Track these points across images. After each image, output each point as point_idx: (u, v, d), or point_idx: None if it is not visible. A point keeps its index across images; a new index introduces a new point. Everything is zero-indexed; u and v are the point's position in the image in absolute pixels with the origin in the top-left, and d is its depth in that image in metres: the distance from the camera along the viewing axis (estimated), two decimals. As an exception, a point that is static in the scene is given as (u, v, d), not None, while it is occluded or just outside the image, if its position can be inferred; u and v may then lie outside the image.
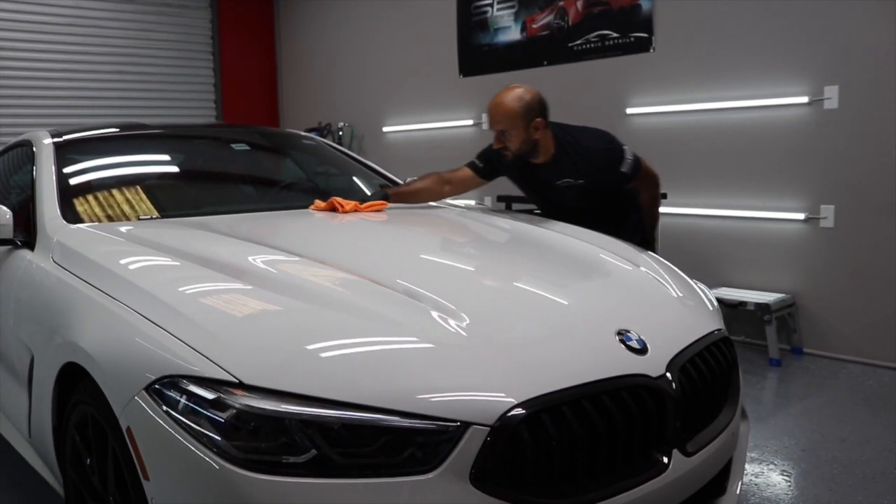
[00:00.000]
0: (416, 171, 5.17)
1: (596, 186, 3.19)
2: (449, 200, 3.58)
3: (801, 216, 4.67)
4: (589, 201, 3.25)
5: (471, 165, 3.39)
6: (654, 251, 3.30)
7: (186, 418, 1.55)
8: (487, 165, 3.36)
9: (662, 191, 3.58)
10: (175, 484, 1.59)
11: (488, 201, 6.38)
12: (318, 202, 3.08)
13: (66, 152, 3.07)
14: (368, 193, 3.52)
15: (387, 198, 3.24)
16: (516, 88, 3.13)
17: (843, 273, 4.58)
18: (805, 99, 4.58)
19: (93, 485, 1.97)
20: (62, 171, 2.92)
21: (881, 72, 4.30)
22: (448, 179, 3.38)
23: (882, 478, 2.98)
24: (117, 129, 3.55)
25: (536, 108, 3.10)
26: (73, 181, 2.95)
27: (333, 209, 2.99)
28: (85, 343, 1.89)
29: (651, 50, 5.31)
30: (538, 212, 3.69)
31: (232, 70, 8.51)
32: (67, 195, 2.80)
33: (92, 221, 2.70)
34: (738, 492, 2.19)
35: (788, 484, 2.96)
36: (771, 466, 3.10)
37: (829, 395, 3.97)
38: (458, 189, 3.40)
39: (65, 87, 7.43)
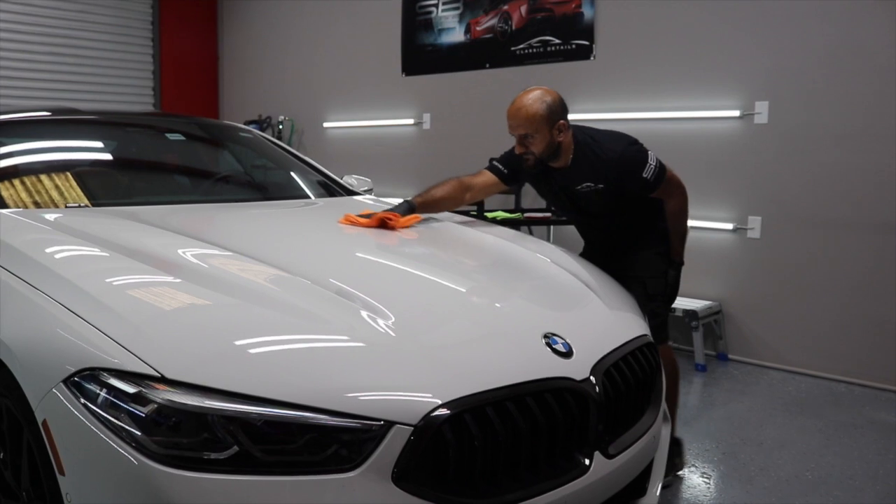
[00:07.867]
0: (357, 167, 5.16)
1: (617, 192, 2.94)
2: (388, 200, 3.49)
3: (730, 226, 4.82)
4: (611, 208, 3.01)
5: (492, 169, 3.10)
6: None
7: (105, 412, 1.52)
8: (511, 170, 3.09)
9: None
10: (91, 479, 1.56)
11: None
12: (350, 216, 2.76)
13: None
14: (305, 189, 3.48)
15: (415, 209, 2.95)
16: (535, 90, 2.89)
17: (767, 283, 4.74)
18: (737, 113, 4.72)
19: (5, 480, 1.92)
20: (-14, 154, 2.83)
21: (809, 90, 4.47)
22: (469, 185, 3.07)
23: (796, 480, 3.09)
24: (48, 113, 3.44)
25: (559, 110, 2.87)
26: (-3, 164, 2.85)
27: (382, 225, 2.72)
28: (2, 333, 1.83)
29: (592, 58, 5.40)
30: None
31: (172, 57, 8.31)
32: (-9, 179, 2.70)
33: (17, 207, 2.61)
34: (657, 493, 2.26)
35: (707, 486, 3.05)
36: (692, 469, 3.19)
37: (751, 401, 4.10)
38: (480, 195, 3.16)
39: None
